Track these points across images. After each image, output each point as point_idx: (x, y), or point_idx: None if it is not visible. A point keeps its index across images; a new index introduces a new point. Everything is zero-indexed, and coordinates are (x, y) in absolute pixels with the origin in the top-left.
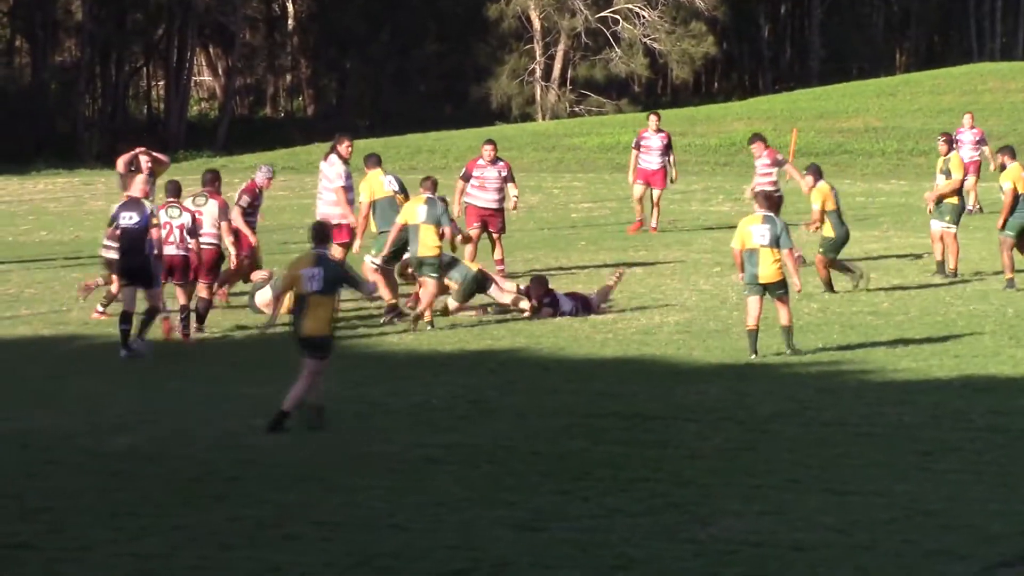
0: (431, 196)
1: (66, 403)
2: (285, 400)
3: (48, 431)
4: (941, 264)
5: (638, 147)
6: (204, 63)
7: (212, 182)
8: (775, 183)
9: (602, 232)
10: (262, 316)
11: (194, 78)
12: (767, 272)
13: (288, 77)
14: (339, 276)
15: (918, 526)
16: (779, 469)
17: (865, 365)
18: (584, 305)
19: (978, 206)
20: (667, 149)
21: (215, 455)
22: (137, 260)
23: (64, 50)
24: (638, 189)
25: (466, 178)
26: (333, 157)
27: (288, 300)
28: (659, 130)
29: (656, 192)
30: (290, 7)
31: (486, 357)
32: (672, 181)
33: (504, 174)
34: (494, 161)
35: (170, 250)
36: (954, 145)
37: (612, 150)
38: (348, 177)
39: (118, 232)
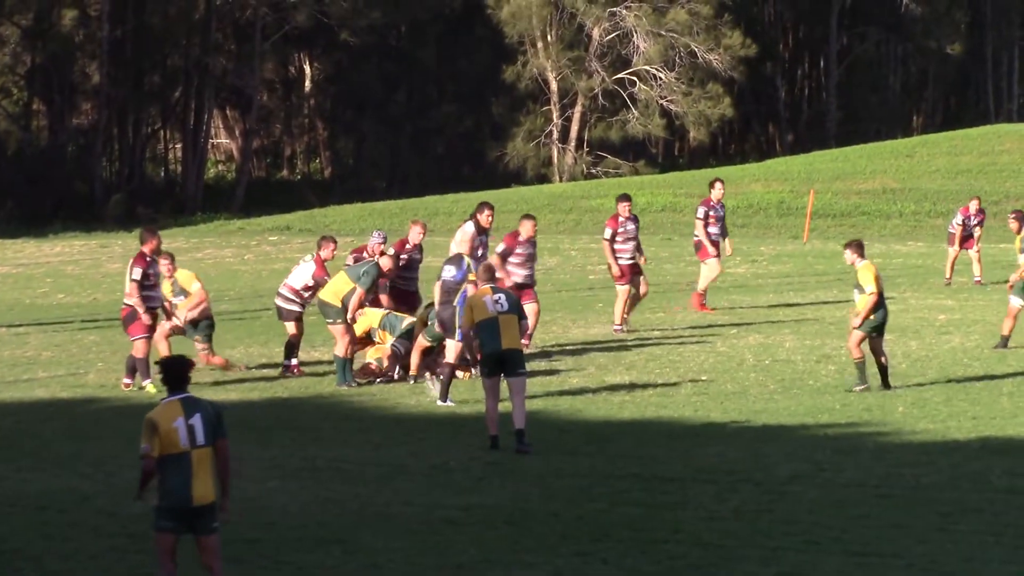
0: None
1: (83, 466)
2: None
3: (66, 493)
4: (1006, 339)
5: (706, 219)
6: (221, 125)
7: None
8: None
9: None
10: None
11: (211, 140)
12: None
13: (305, 139)
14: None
15: None
16: (797, 531)
17: (883, 426)
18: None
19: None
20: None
21: (233, 517)
22: (447, 312)
23: (81, 113)
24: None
25: (505, 255)
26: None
27: None
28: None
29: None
30: (307, 69)
31: (503, 419)
32: (728, 253)
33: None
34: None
35: None
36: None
37: None
38: (474, 244)
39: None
